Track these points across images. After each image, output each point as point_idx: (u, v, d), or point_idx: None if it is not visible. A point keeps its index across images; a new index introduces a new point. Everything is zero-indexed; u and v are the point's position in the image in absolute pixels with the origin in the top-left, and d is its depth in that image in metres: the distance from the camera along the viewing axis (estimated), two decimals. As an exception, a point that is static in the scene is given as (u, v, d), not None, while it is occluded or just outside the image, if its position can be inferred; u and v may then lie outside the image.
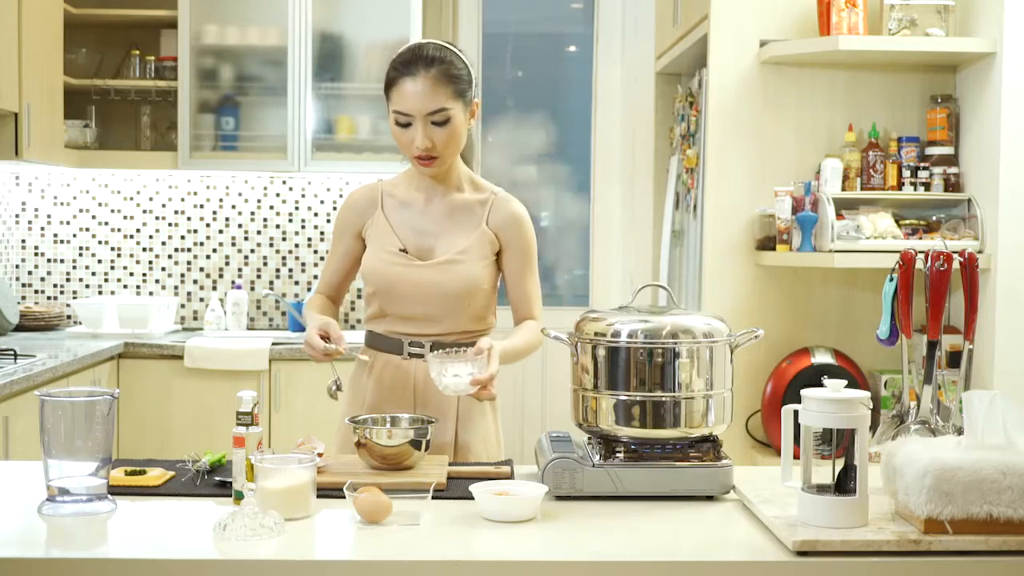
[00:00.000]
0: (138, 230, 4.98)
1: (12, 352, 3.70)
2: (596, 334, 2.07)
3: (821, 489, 1.78)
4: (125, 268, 4.98)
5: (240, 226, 5.00)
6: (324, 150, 4.70)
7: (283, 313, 4.98)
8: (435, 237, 2.45)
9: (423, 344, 2.43)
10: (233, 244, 5.00)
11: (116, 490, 1.98)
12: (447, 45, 2.41)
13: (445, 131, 2.36)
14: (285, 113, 4.64)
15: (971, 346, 2.10)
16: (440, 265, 2.41)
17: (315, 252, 4.99)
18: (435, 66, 2.34)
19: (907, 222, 3.47)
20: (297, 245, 5.00)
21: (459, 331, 2.43)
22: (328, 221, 4.98)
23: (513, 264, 2.48)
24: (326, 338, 2.33)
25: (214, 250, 5.00)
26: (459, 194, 2.48)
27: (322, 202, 4.99)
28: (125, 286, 4.99)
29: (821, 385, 1.83)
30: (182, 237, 4.99)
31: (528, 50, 5.48)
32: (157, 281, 4.99)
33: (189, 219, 4.99)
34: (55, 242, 4.96)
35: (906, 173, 3.54)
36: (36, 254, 4.96)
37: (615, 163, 5.26)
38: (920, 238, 3.42)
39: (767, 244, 3.59)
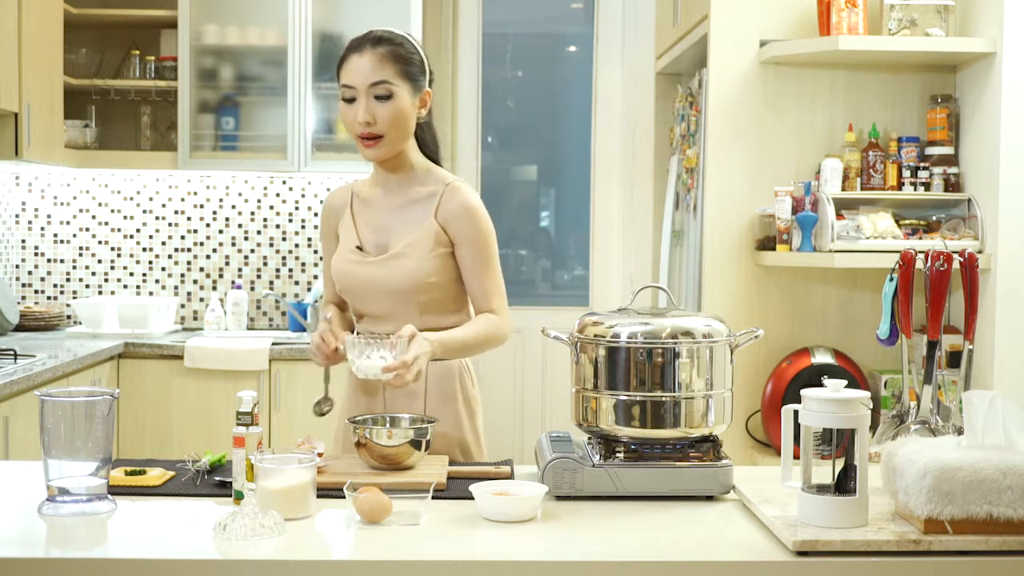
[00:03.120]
0: (138, 230, 4.98)
1: (12, 352, 3.70)
2: (596, 335, 2.08)
3: (821, 489, 1.78)
4: (125, 268, 4.98)
5: (240, 226, 5.00)
6: (324, 150, 4.69)
7: (283, 313, 4.98)
8: (389, 232, 2.44)
9: None
10: (233, 244, 5.00)
11: (116, 490, 1.99)
12: (403, 33, 2.46)
13: (388, 108, 2.36)
14: (285, 113, 4.64)
15: (971, 346, 2.10)
16: (387, 261, 2.40)
17: (315, 252, 4.99)
18: (383, 45, 2.39)
19: (907, 222, 3.47)
20: (297, 245, 5.00)
21: (420, 329, 2.34)
22: (328, 221, 4.98)
23: (466, 257, 2.41)
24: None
25: (214, 250, 5.00)
26: (413, 187, 2.45)
27: (322, 202, 4.99)
28: (125, 286, 4.99)
29: (821, 385, 1.83)
30: (182, 237, 4.99)
31: (528, 50, 5.48)
32: (157, 281, 4.99)
33: (189, 219, 4.99)
34: (55, 242, 4.96)
35: (906, 173, 3.54)
36: (36, 254, 4.96)
37: (615, 163, 5.26)
38: (920, 238, 3.42)
39: (767, 244, 3.59)
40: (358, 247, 2.45)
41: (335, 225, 2.53)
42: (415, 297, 2.38)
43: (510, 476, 2.15)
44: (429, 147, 2.53)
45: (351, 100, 2.37)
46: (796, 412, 1.84)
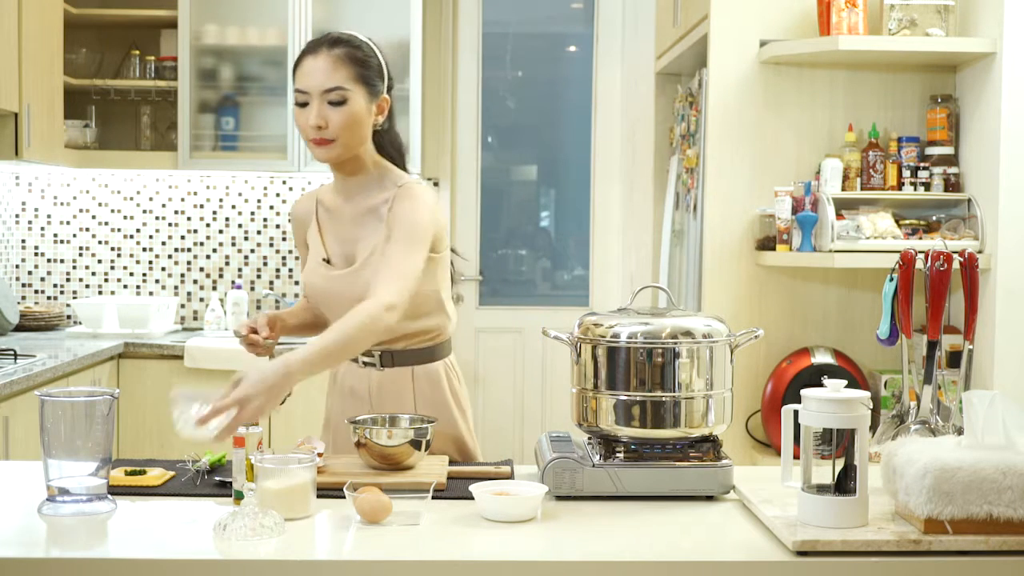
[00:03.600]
0: (138, 230, 4.98)
1: (12, 352, 3.70)
2: (596, 335, 2.08)
3: (821, 489, 1.78)
4: (125, 268, 4.98)
5: (240, 226, 5.00)
6: (324, 150, 4.69)
7: (283, 313, 4.98)
8: (354, 243, 2.37)
9: (373, 353, 2.39)
10: (233, 244, 5.00)
11: (116, 490, 1.99)
12: (361, 36, 2.37)
13: (341, 113, 2.27)
14: (285, 113, 4.64)
15: (971, 346, 2.10)
16: (351, 275, 2.34)
17: (315, 252, 4.99)
18: (339, 46, 2.30)
19: (907, 222, 3.47)
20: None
21: (399, 335, 2.33)
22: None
23: (387, 243, 2.26)
24: (254, 331, 2.38)
25: (214, 250, 5.00)
26: (371, 194, 2.37)
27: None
28: (125, 286, 4.99)
29: (821, 385, 1.83)
30: (182, 237, 4.99)
31: (528, 50, 5.48)
32: (157, 281, 4.99)
33: (189, 219, 4.99)
34: (55, 242, 4.96)
35: (906, 173, 3.54)
36: (36, 254, 4.96)
37: (615, 163, 5.26)
38: (920, 238, 3.42)
39: (767, 244, 3.59)
40: (325, 260, 2.41)
41: (302, 233, 2.50)
42: None
43: (510, 476, 2.15)
44: (387, 152, 2.42)
45: (304, 104, 2.29)
46: (796, 412, 1.84)
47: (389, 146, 2.43)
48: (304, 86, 2.29)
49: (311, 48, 2.31)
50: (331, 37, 2.32)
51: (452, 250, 2.48)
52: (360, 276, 2.32)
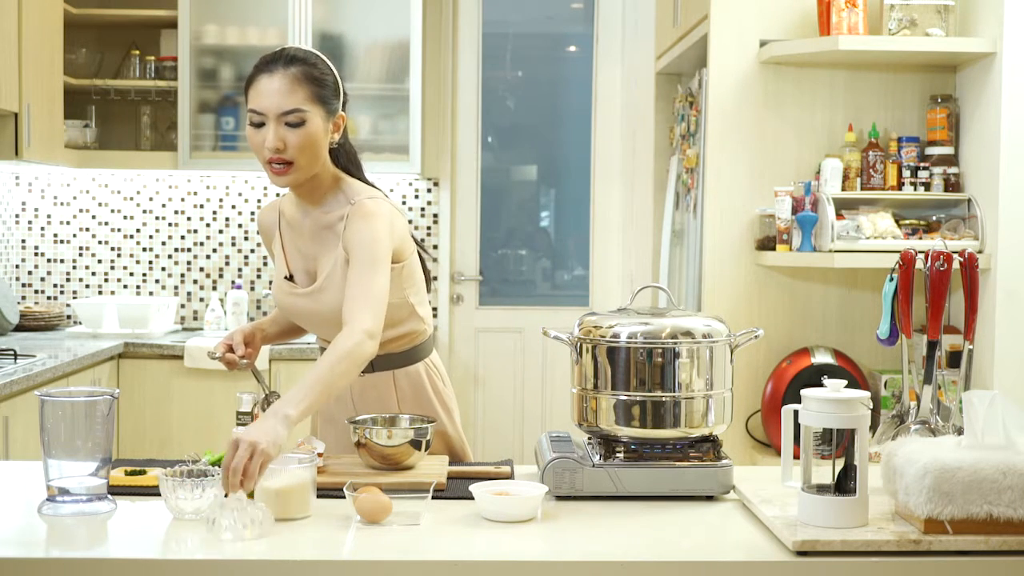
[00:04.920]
0: (138, 230, 4.98)
1: (12, 352, 3.70)
2: (596, 335, 2.08)
3: (821, 489, 1.78)
4: (125, 268, 4.98)
5: (240, 226, 5.00)
6: (324, 150, 4.69)
7: (283, 313, 4.98)
8: (315, 259, 2.33)
9: None
10: (233, 244, 5.00)
11: (116, 490, 1.99)
12: (316, 52, 2.30)
13: (299, 134, 2.19)
14: (285, 113, 4.63)
15: (971, 346, 2.10)
16: (312, 294, 2.32)
17: (315, 252, 4.99)
18: (295, 65, 2.21)
19: (907, 222, 3.47)
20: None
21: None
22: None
23: (350, 268, 2.20)
24: (231, 349, 2.37)
25: (214, 250, 5.00)
26: (328, 209, 2.31)
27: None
28: (125, 286, 4.99)
29: (821, 385, 1.83)
30: (182, 237, 4.99)
31: (528, 50, 5.48)
32: (157, 281, 4.99)
33: (189, 219, 4.99)
34: (55, 242, 4.96)
35: (906, 173, 3.54)
36: (36, 254, 4.96)
37: (615, 163, 5.26)
38: (920, 238, 3.42)
39: (767, 244, 3.59)
40: (287, 277, 2.38)
41: (270, 245, 2.47)
42: None
43: (510, 476, 2.15)
44: (343, 165, 2.35)
45: (259, 125, 2.21)
46: (796, 412, 1.84)
47: (345, 159, 2.36)
48: (260, 107, 2.20)
49: (265, 66, 2.22)
50: (286, 54, 2.23)
51: (421, 248, 2.44)
52: (323, 294, 2.29)
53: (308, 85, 2.21)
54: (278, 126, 2.20)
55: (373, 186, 2.39)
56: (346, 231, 2.24)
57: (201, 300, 4.99)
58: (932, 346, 2.09)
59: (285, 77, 2.20)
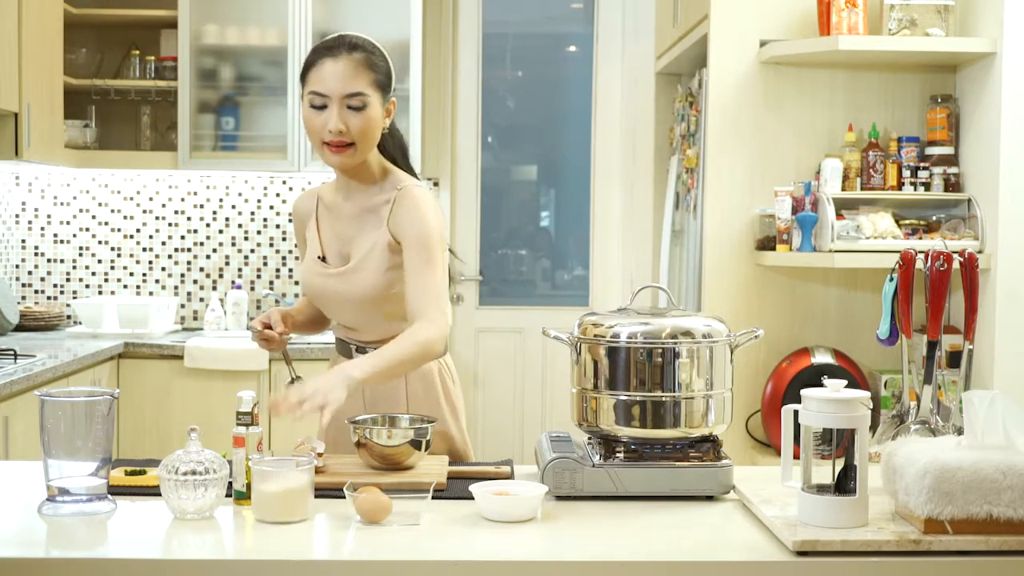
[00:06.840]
0: (138, 230, 4.98)
1: (12, 352, 3.70)
2: (596, 335, 2.08)
3: (821, 489, 1.78)
4: (125, 268, 4.98)
5: (240, 226, 5.00)
6: (324, 150, 4.69)
7: (283, 313, 4.98)
8: (350, 242, 2.38)
9: (366, 349, 2.37)
10: (233, 244, 5.00)
11: (116, 490, 1.99)
12: (373, 40, 2.37)
13: (360, 118, 2.28)
14: (285, 113, 4.64)
15: (971, 346, 2.10)
16: (345, 274, 2.36)
17: (315, 252, 5.00)
18: (358, 51, 2.30)
19: (907, 222, 3.47)
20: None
21: (391, 335, 2.29)
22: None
23: (406, 258, 2.29)
24: (268, 326, 2.39)
25: (214, 250, 5.00)
26: (372, 194, 2.38)
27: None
28: (125, 286, 4.99)
29: (821, 385, 1.83)
30: (182, 237, 4.99)
31: (528, 50, 5.48)
32: (157, 281, 4.99)
33: (189, 219, 4.99)
34: (55, 242, 4.96)
35: (906, 173, 3.54)
36: (36, 254, 4.96)
37: (615, 163, 5.26)
38: (920, 238, 3.42)
39: (767, 244, 3.59)
40: (320, 257, 2.42)
41: (303, 231, 2.51)
42: (378, 308, 2.35)
43: (510, 476, 2.15)
44: (390, 152, 2.43)
45: (321, 107, 2.28)
46: (796, 412, 1.84)
47: (393, 148, 2.45)
48: (324, 89, 2.27)
49: (329, 50, 2.30)
50: (348, 40, 2.31)
51: (449, 251, 2.48)
52: (355, 275, 2.34)
53: (369, 71, 2.30)
54: (341, 109, 2.27)
55: (415, 175, 2.47)
56: (394, 216, 2.32)
57: (201, 300, 4.99)
58: (932, 346, 2.09)
59: (350, 62, 2.28)
